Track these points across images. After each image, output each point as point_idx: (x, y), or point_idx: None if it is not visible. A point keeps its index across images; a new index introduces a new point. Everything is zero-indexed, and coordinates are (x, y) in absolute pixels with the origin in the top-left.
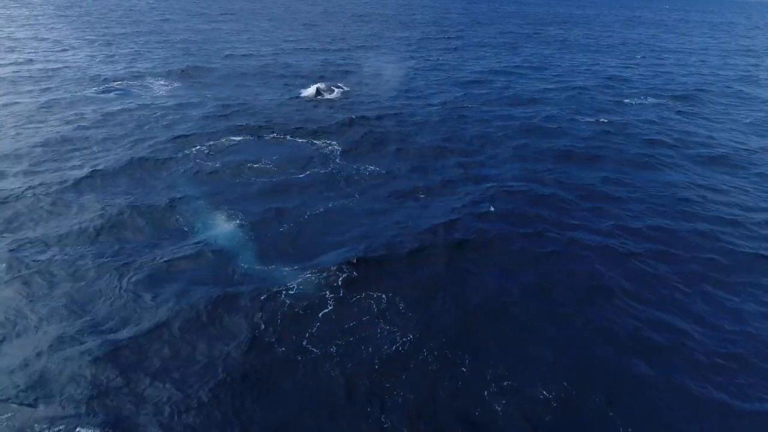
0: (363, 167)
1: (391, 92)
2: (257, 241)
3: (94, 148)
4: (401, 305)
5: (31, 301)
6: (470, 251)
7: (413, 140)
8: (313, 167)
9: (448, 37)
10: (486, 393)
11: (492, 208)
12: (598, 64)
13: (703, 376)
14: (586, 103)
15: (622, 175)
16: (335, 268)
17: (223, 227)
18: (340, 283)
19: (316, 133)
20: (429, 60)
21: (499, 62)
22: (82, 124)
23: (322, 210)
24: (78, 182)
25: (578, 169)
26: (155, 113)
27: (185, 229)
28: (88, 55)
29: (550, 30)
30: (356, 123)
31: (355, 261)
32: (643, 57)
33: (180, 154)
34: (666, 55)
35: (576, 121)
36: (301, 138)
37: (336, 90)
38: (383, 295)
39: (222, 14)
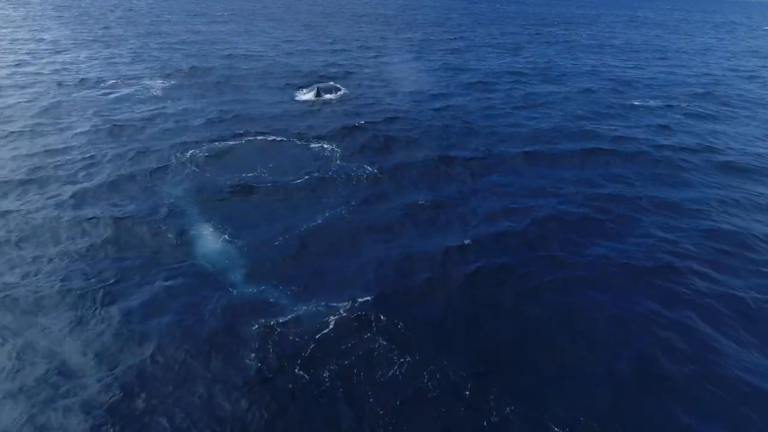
0: (365, 175)
1: (393, 94)
2: (252, 259)
3: (86, 156)
4: (407, 332)
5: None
6: (483, 276)
7: (418, 147)
8: (312, 175)
9: (451, 38)
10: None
11: (504, 227)
12: (603, 65)
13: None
14: (595, 106)
15: (643, 186)
16: (335, 294)
17: (216, 242)
18: (341, 311)
19: (315, 138)
20: (432, 61)
21: (503, 63)
22: (76, 130)
23: (320, 223)
24: (72, 194)
25: (596, 179)
26: (151, 117)
27: (177, 243)
28: (86, 57)
29: (553, 30)
30: (357, 127)
31: (356, 286)
32: (646, 58)
33: (174, 161)
34: (671, 55)
35: (587, 127)
36: (300, 142)
37: (337, 92)
38: (386, 322)
39: (222, 14)
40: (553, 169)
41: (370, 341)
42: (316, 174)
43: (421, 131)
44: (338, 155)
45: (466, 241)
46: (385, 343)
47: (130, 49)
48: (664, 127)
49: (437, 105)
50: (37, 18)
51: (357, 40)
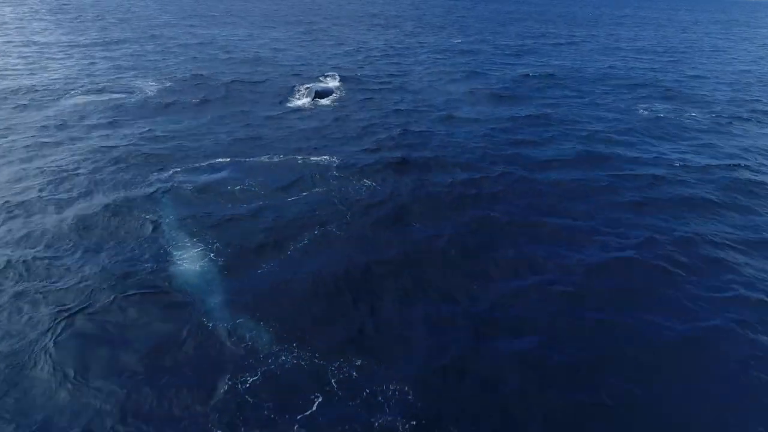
0: (365, 196)
1: (401, 103)
2: (233, 290)
3: (69, 161)
4: (409, 397)
5: None
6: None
7: (428, 170)
8: (306, 192)
9: (466, 40)
10: None
11: (538, 294)
12: (650, 69)
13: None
14: (653, 126)
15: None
16: (323, 345)
17: (195, 265)
18: (334, 368)
19: (312, 149)
20: (445, 65)
21: (528, 69)
22: (58, 138)
23: (312, 250)
24: (54, 203)
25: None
26: (139, 124)
27: (152, 266)
28: (78, 60)
29: (578, 31)
30: (359, 138)
31: (350, 339)
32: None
33: (156, 175)
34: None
35: (648, 156)
36: (295, 154)
37: (337, 97)
38: (387, 389)
39: (220, 15)
40: (601, 212)
41: (360, 402)
42: (310, 192)
43: (433, 150)
44: (335, 168)
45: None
46: (376, 400)
47: (125, 51)
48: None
49: (454, 118)
50: (28, 20)
51: (361, 41)
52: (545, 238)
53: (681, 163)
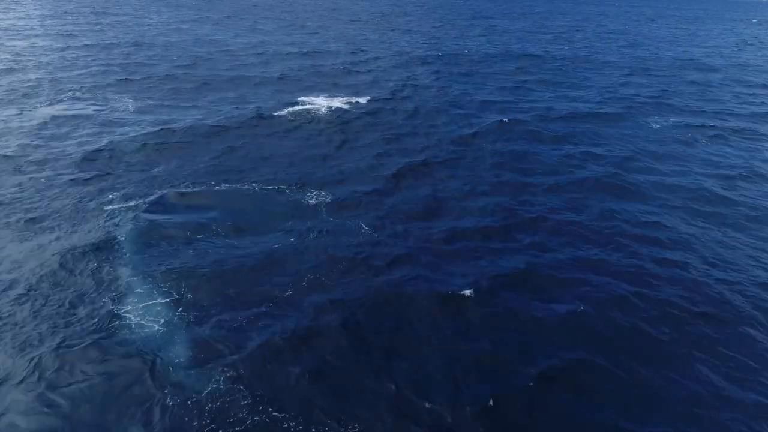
0: (359, 241)
1: (414, 122)
2: (197, 344)
3: (23, 186)
4: None
5: None
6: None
7: (440, 208)
8: (290, 232)
9: (491, 53)
10: None
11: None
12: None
13: None
14: None
15: None
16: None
17: (157, 312)
18: None
19: (304, 180)
20: (467, 86)
21: (568, 100)
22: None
23: (293, 305)
24: None
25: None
26: (104, 143)
27: (101, 318)
28: (45, 64)
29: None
30: (359, 168)
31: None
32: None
33: (111, 207)
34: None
35: None
36: (282, 185)
37: (337, 109)
38: None
39: (201, 15)
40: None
41: None
42: (294, 232)
43: (452, 191)
44: (326, 205)
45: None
46: None
47: (92, 57)
48: None
49: (475, 149)
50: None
51: (369, 47)
52: None
53: None
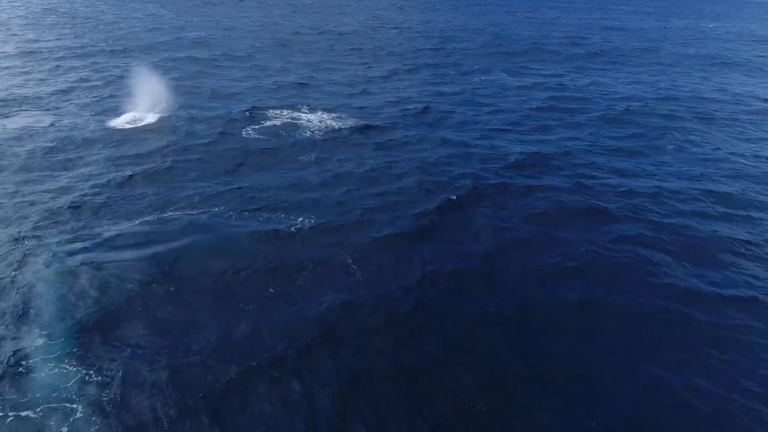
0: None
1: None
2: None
3: None
4: None
5: None
6: None
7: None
8: (251, 304)
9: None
10: None
11: None
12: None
13: None
14: None
15: None
16: None
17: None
18: None
19: (264, 206)
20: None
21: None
22: None
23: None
24: None
25: None
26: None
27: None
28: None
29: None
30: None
31: None
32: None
33: (49, 239)
34: None
35: None
36: (249, 220)
37: (333, 125)
38: None
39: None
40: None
41: None
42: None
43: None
44: (302, 239)
45: None
46: None
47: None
48: None
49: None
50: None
51: (373, 57)
52: None
53: None
